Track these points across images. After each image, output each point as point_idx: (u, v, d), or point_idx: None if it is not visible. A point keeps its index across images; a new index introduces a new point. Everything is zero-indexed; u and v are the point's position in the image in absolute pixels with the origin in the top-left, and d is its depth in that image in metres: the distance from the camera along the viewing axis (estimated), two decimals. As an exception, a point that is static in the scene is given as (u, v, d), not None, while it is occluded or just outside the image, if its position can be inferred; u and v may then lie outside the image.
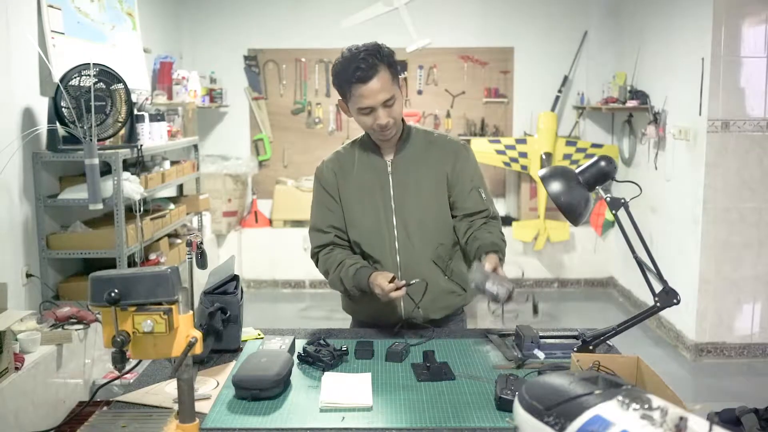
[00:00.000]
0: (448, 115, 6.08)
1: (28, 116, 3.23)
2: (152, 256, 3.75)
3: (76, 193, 3.30)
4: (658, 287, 1.66)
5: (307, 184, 5.97)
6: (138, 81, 4.23)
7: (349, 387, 1.59)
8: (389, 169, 2.05)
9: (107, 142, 3.42)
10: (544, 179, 1.76)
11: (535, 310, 2.05)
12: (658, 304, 1.66)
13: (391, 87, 1.91)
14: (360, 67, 1.86)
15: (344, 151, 2.12)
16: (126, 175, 3.41)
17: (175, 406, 1.39)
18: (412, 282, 1.90)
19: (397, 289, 1.86)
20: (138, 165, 3.57)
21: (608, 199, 1.70)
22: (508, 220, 5.97)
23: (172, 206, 4.21)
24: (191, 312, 1.34)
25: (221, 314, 1.80)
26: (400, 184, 2.03)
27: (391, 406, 1.52)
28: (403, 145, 2.06)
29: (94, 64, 3.18)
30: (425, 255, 2.04)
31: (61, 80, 3.11)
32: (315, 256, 2.11)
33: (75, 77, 3.13)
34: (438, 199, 2.05)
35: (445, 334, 2.02)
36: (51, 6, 3.37)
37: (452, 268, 2.08)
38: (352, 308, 2.19)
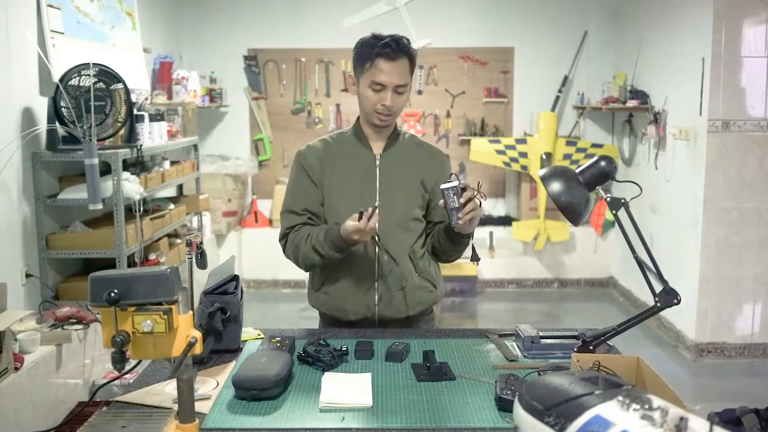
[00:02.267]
0: (448, 115, 6.08)
1: (28, 116, 3.23)
2: (152, 256, 3.75)
3: (76, 193, 3.30)
4: (658, 287, 1.66)
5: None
6: (138, 81, 4.23)
7: (349, 387, 1.59)
8: (378, 162, 2.07)
9: (107, 142, 3.42)
10: (544, 179, 1.76)
11: (474, 257, 2.05)
12: (658, 304, 1.66)
13: (407, 77, 1.99)
14: (391, 45, 1.94)
15: (332, 140, 2.13)
16: (126, 175, 3.41)
17: (175, 406, 1.39)
18: (371, 208, 1.84)
19: (369, 219, 1.83)
20: (138, 165, 3.57)
21: (608, 199, 1.70)
22: (508, 220, 5.97)
23: (172, 206, 4.21)
24: (191, 312, 1.34)
25: (221, 314, 1.80)
26: (386, 178, 2.06)
27: (391, 406, 1.52)
28: (393, 142, 2.10)
29: (93, 64, 3.18)
30: (402, 248, 2.06)
31: (61, 80, 3.11)
32: (284, 237, 2.08)
33: (75, 77, 3.13)
34: (419, 198, 2.09)
35: (445, 334, 2.02)
36: (51, 6, 3.37)
37: (422, 266, 2.11)
38: (320, 301, 2.12)
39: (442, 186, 1.81)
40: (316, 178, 2.07)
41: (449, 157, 2.25)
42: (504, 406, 1.47)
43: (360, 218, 1.84)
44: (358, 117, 2.13)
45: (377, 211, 1.85)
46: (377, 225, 1.89)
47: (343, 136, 2.13)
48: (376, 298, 2.05)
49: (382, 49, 1.93)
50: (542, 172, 1.79)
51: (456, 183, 1.80)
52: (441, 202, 1.82)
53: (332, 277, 2.07)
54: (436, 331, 2.06)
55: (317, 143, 2.13)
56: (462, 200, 1.80)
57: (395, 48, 1.94)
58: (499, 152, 5.67)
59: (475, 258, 2.08)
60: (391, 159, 2.08)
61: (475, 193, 1.82)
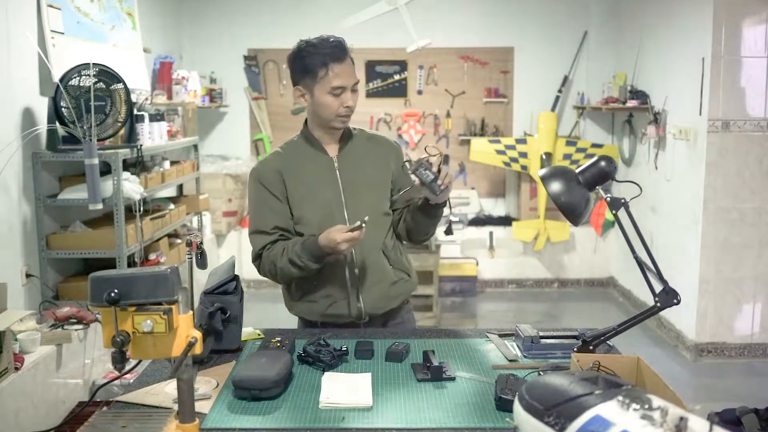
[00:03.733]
0: (448, 115, 6.08)
1: (28, 116, 3.23)
2: (152, 256, 3.75)
3: (76, 193, 3.30)
4: (658, 287, 1.66)
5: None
6: (138, 81, 4.23)
7: (349, 387, 1.59)
8: (336, 164, 2.08)
9: (107, 142, 3.42)
10: (544, 179, 1.76)
11: (448, 231, 2.07)
12: (658, 304, 1.66)
13: (356, 75, 2.02)
14: (336, 47, 1.96)
15: (284, 150, 2.12)
16: (126, 175, 3.41)
17: (175, 406, 1.39)
18: (360, 222, 1.86)
19: (352, 231, 1.85)
20: (138, 165, 3.57)
21: (608, 199, 1.70)
22: (508, 220, 5.97)
23: (172, 206, 4.21)
24: (191, 312, 1.34)
25: (221, 314, 1.80)
26: (347, 178, 2.06)
27: (391, 406, 1.52)
28: (346, 142, 2.11)
29: (93, 64, 3.18)
30: (375, 245, 2.07)
31: (61, 80, 3.11)
32: (258, 258, 2.07)
33: (75, 77, 3.13)
34: (383, 192, 2.11)
35: (445, 334, 2.03)
36: (51, 6, 3.37)
37: (393, 258, 2.12)
38: (304, 309, 2.11)
39: (412, 166, 1.85)
40: (278, 193, 2.05)
41: (399, 146, 2.26)
42: (504, 406, 1.47)
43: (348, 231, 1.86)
44: (305, 123, 2.12)
45: (364, 227, 1.86)
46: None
47: (295, 145, 2.12)
48: (360, 297, 2.06)
49: (332, 52, 1.94)
50: (542, 172, 1.80)
51: (422, 158, 1.85)
52: (416, 181, 1.85)
53: (312, 285, 2.07)
54: (436, 331, 2.06)
55: (270, 157, 2.11)
56: (434, 170, 1.84)
57: (343, 49, 1.97)
58: (499, 152, 5.67)
59: (449, 231, 2.11)
60: (347, 159, 2.09)
61: (440, 160, 1.88)
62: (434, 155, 1.88)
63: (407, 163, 1.90)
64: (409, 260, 2.21)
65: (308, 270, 1.97)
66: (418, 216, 2.05)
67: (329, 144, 2.10)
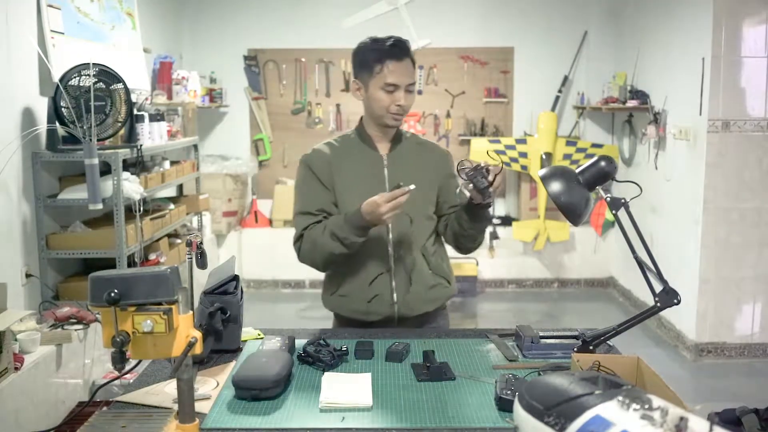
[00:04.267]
0: (448, 115, 6.08)
1: (28, 116, 3.23)
2: (152, 256, 3.75)
3: (76, 193, 3.30)
4: (658, 287, 1.66)
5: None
6: (138, 81, 4.23)
7: (349, 387, 1.59)
8: (385, 162, 2.10)
9: (107, 142, 3.42)
10: (544, 179, 1.76)
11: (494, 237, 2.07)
12: (658, 304, 1.66)
13: (414, 75, 2.06)
14: (397, 45, 2.00)
15: (337, 143, 2.15)
16: (126, 175, 3.41)
17: (175, 406, 1.39)
18: (403, 185, 1.86)
19: (393, 200, 1.85)
20: (138, 165, 3.57)
21: (608, 199, 1.70)
22: (508, 220, 5.97)
23: (172, 206, 4.21)
24: (191, 312, 1.34)
25: (221, 314, 1.80)
26: (395, 177, 2.07)
27: (391, 406, 1.52)
28: (397, 143, 2.15)
29: (93, 64, 3.18)
30: (415, 246, 2.08)
31: (61, 80, 3.11)
32: (299, 239, 2.08)
33: (75, 77, 3.13)
34: (428, 196, 2.12)
35: (445, 334, 2.03)
36: (51, 6, 3.37)
37: (434, 262, 2.13)
38: (336, 304, 2.13)
39: (465, 171, 1.87)
40: (325, 181, 2.08)
41: (449, 153, 2.28)
42: (504, 406, 1.47)
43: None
44: (361, 120, 2.15)
45: (409, 190, 1.86)
46: (390, 225, 1.98)
47: (348, 139, 2.15)
48: (395, 297, 2.07)
49: (391, 49, 1.99)
50: (542, 172, 1.80)
51: (476, 165, 1.87)
52: (470, 186, 1.87)
53: (348, 279, 2.08)
54: (436, 331, 2.06)
55: (323, 147, 2.14)
56: (490, 177, 1.86)
57: (403, 48, 2.01)
58: (499, 152, 5.67)
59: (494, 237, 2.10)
60: (397, 159, 2.11)
61: (500, 167, 1.91)
62: (495, 164, 1.89)
63: (464, 162, 1.90)
64: (450, 268, 2.21)
65: (349, 244, 1.96)
66: (464, 221, 2.04)
67: (381, 142, 2.13)
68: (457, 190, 2.04)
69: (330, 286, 2.15)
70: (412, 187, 1.87)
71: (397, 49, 1.99)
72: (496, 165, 1.88)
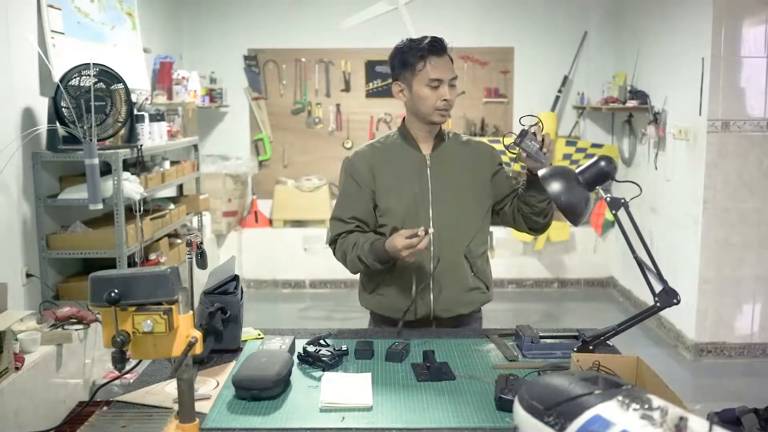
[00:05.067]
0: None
1: (28, 116, 3.23)
2: (152, 256, 3.75)
3: (76, 193, 3.30)
4: (658, 287, 1.66)
5: (307, 184, 5.97)
6: (138, 81, 4.23)
7: (349, 387, 1.59)
8: (428, 162, 2.10)
9: (107, 142, 3.42)
10: (544, 179, 1.76)
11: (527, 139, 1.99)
12: (658, 304, 1.66)
13: (454, 71, 2.06)
14: (436, 41, 2.02)
15: (380, 144, 2.16)
16: (126, 175, 3.40)
17: (175, 406, 1.39)
18: (424, 231, 1.85)
19: (413, 237, 1.85)
20: (138, 165, 3.57)
21: (608, 199, 1.70)
22: (508, 220, 5.96)
23: (172, 206, 4.21)
24: (191, 312, 1.34)
25: (221, 314, 1.80)
26: (438, 177, 2.08)
27: (391, 406, 1.52)
28: (440, 142, 2.14)
29: (94, 64, 3.18)
30: (457, 248, 2.08)
31: (61, 80, 3.11)
32: (333, 244, 2.12)
33: (75, 77, 3.13)
34: (473, 197, 2.11)
35: (445, 334, 2.03)
36: (51, 6, 3.37)
37: (478, 265, 2.13)
38: (374, 302, 2.15)
39: (515, 140, 1.89)
40: (365, 184, 2.08)
41: (493, 148, 2.27)
42: (504, 406, 1.47)
43: (411, 237, 1.85)
44: (403, 120, 2.15)
45: (431, 237, 1.88)
46: (431, 236, 1.93)
47: (390, 140, 2.16)
48: (431, 297, 2.07)
49: (430, 46, 2.00)
50: (542, 172, 1.80)
51: (520, 131, 1.88)
52: (524, 155, 1.88)
53: (387, 279, 2.09)
54: (437, 331, 2.06)
55: (365, 149, 2.15)
56: (539, 138, 1.88)
57: (441, 44, 2.03)
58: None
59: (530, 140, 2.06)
60: (440, 159, 2.11)
61: (542, 127, 1.92)
62: (534, 124, 1.90)
63: (508, 137, 1.92)
64: (491, 274, 2.21)
65: (374, 268, 2.00)
66: (529, 195, 2.04)
67: (424, 143, 2.12)
68: (511, 165, 2.05)
69: (368, 284, 2.16)
70: (431, 231, 1.88)
71: (436, 46, 2.01)
72: (537, 125, 1.88)
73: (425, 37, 2.03)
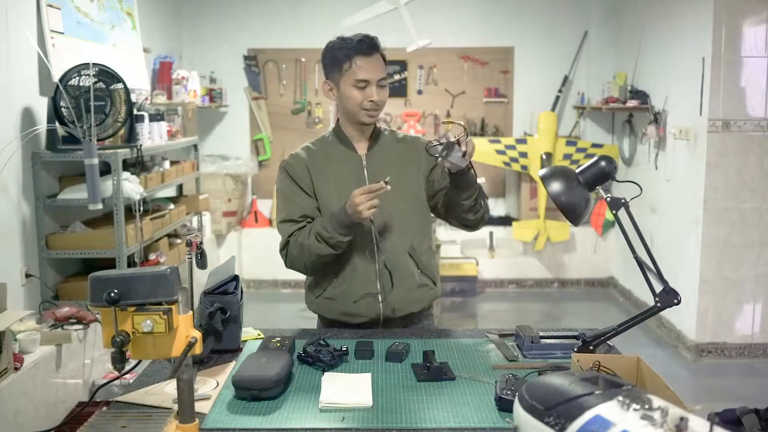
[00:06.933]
0: (448, 115, 6.08)
1: (28, 116, 3.23)
2: (152, 256, 3.75)
3: (76, 193, 3.30)
4: (658, 287, 1.66)
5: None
6: (138, 81, 4.23)
7: (349, 387, 1.59)
8: (364, 162, 2.08)
9: (107, 142, 3.42)
10: (544, 179, 1.76)
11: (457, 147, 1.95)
12: (658, 304, 1.65)
13: (384, 70, 2.02)
14: (365, 41, 1.98)
15: (314, 146, 2.13)
16: (126, 175, 3.40)
17: (175, 407, 1.39)
18: (383, 182, 1.85)
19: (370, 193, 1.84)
20: (138, 165, 3.57)
21: (608, 199, 1.70)
22: (508, 220, 5.97)
23: (171, 206, 4.21)
24: (191, 312, 1.33)
25: (221, 314, 1.80)
26: (375, 176, 2.05)
27: (391, 406, 1.52)
28: (375, 141, 2.11)
29: (93, 63, 3.18)
30: (402, 246, 2.06)
31: (61, 80, 3.11)
32: (285, 246, 2.07)
33: (74, 77, 3.13)
34: (412, 193, 2.09)
35: (445, 334, 2.03)
36: (50, 6, 3.36)
37: (424, 262, 2.11)
38: (322, 306, 2.12)
39: (437, 148, 1.85)
40: (306, 187, 2.06)
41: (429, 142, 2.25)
42: (504, 406, 1.47)
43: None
44: (337, 121, 2.13)
45: (386, 186, 1.85)
46: (374, 226, 1.94)
47: (326, 141, 2.13)
48: (379, 298, 2.05)
49: (359, 45, 1.96)
50: (542, 172, 1.80)
51: (445, 143, 1.84)
52: (447, 163, 1.84)
53: (333, 282, 2.07)
54: (436, 331, 2.06)
55: (300, 152, 2.12)
56: (463, 148, 1.82)
57: (371, 44, 1.98)
58: (499, 152, 5.67)
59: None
60: (376, 158, 2.09)
61: (462, 132, 1.87)
62: (460, 134, 1.85)
63: (431, 143, 1.90)
64: (437, 268, 2.19)
65: (335, 244, 1.95)
66: (454, 193, 2.00)
67: (359, 142, 2.10)
68: (439, 169, 2.03)
69: (315, 288, 2.13)
70: (387, 179, 1.86)
71: (364, 45, 1.96)
72: (461, 134, 1.84)
73: (356, 36, 1.99)
